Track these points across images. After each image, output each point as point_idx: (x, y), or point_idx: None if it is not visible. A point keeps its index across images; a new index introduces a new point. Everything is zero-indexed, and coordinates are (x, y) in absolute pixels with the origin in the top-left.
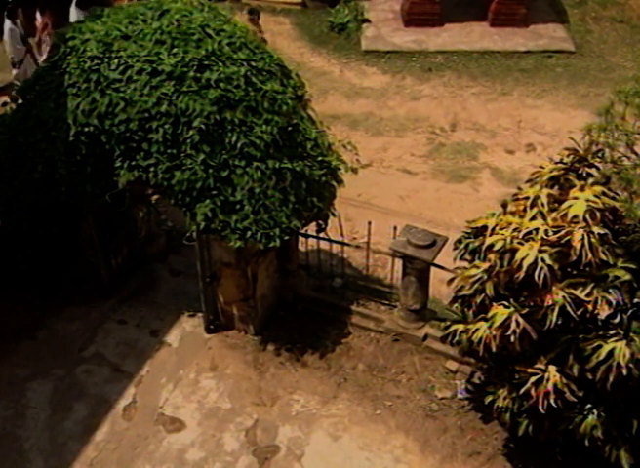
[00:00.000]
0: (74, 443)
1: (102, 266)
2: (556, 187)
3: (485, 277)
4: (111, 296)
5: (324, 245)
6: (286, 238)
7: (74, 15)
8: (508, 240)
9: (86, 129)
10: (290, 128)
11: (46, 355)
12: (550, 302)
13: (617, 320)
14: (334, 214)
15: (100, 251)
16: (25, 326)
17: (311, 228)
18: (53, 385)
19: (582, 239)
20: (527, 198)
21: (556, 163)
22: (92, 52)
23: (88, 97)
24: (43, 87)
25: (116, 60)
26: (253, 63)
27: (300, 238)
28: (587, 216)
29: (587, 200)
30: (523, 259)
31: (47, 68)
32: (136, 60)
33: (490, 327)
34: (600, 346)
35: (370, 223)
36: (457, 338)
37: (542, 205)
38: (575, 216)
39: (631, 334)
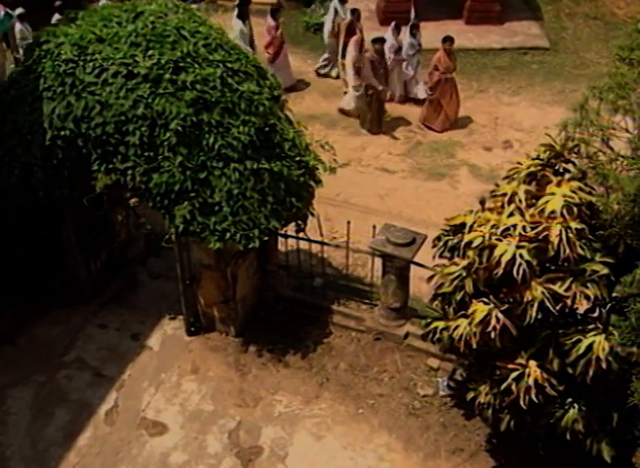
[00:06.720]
0: (56, 449)
1: (82, 270)
2: (533, 183)
3: (464, 274)
4: (91, 300)
5: (303, 245)
6: (265, 239)
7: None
8: (487, 237)
9: (62, 133)
10: (267, 128)
11: (27, 361)
12: (529, 298)
13: (595, 314)
14: (313, 214)
15: (80, 254)
16: (6, 331)
17: (290, 228)
18: (34, 391)
19: (560, 234)
20: (504, 194)
21: (533, 159)
22: (66, 55)
23: (63, 100)
24: (18, 91)
25: (91, 63)
26: (229, 65)
27: (280, 238)
28: (564, 212)
29: (564, 195)
30: (501, 256)
31: (21, 72)
32: (111, 63)
33: (470, 323)
34: (579, 340)
35: (349, 223)
36: (437, 336)
37: (520, 201)
38: (552, 212)
39: (610, 328)
